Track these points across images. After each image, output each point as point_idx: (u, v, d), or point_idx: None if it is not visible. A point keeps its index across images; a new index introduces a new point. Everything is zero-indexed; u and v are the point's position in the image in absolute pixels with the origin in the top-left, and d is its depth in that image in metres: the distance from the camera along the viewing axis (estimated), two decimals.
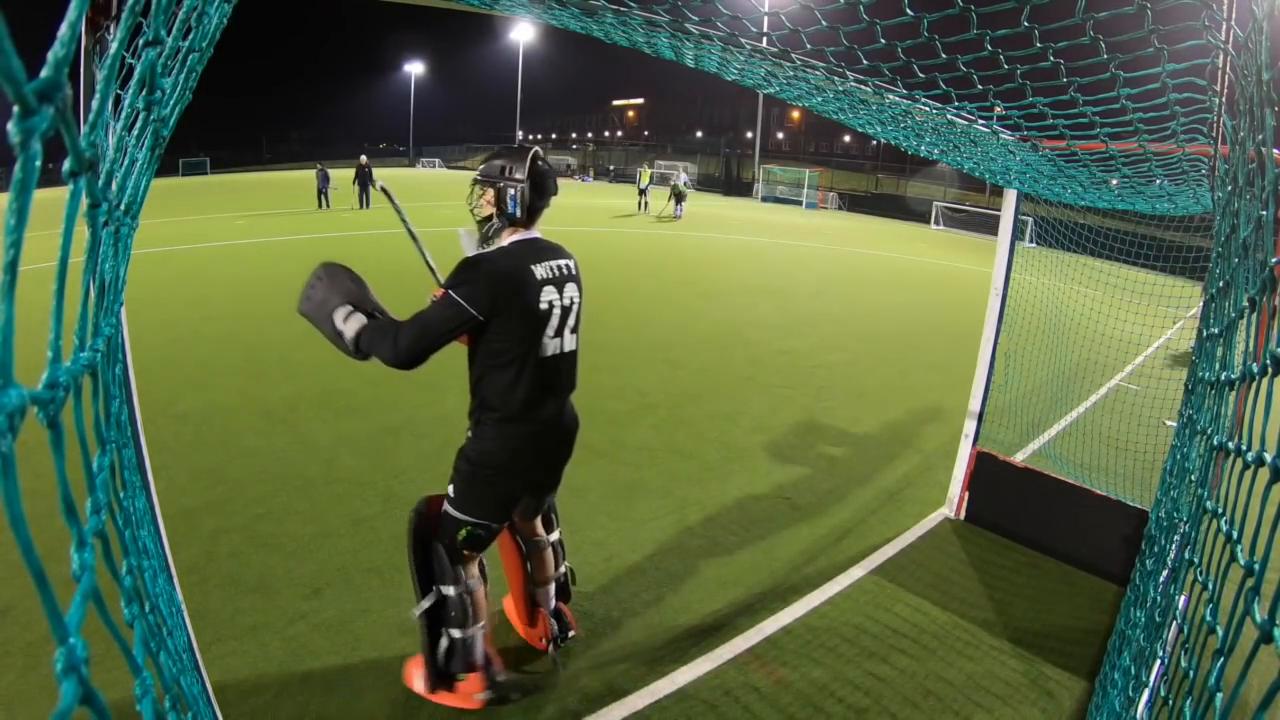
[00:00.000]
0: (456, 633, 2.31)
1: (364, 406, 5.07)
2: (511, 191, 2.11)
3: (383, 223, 16.31)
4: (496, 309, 2.01)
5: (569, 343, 2.22)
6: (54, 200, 1.42)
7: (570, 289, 2.20)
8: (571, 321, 2.22)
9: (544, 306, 2.10)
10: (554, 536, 2.69)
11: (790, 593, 3.21)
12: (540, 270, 2.11)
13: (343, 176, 21.02)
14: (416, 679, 2.43)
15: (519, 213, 2.12)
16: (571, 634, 2.74)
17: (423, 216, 17.96)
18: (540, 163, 2.16)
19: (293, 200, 20.81)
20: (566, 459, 2.38)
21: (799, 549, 3.59)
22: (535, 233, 2.20)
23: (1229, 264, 1.27)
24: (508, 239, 2.15)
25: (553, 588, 2.68)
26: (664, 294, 9.81)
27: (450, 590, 2.28)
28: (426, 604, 2.30)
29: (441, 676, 2.36)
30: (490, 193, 2.15)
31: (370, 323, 2.12)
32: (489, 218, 2.17)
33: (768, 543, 3.62)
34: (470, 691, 2.36)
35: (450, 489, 2.25)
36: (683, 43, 1.97)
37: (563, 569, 2.75)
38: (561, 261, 2.19)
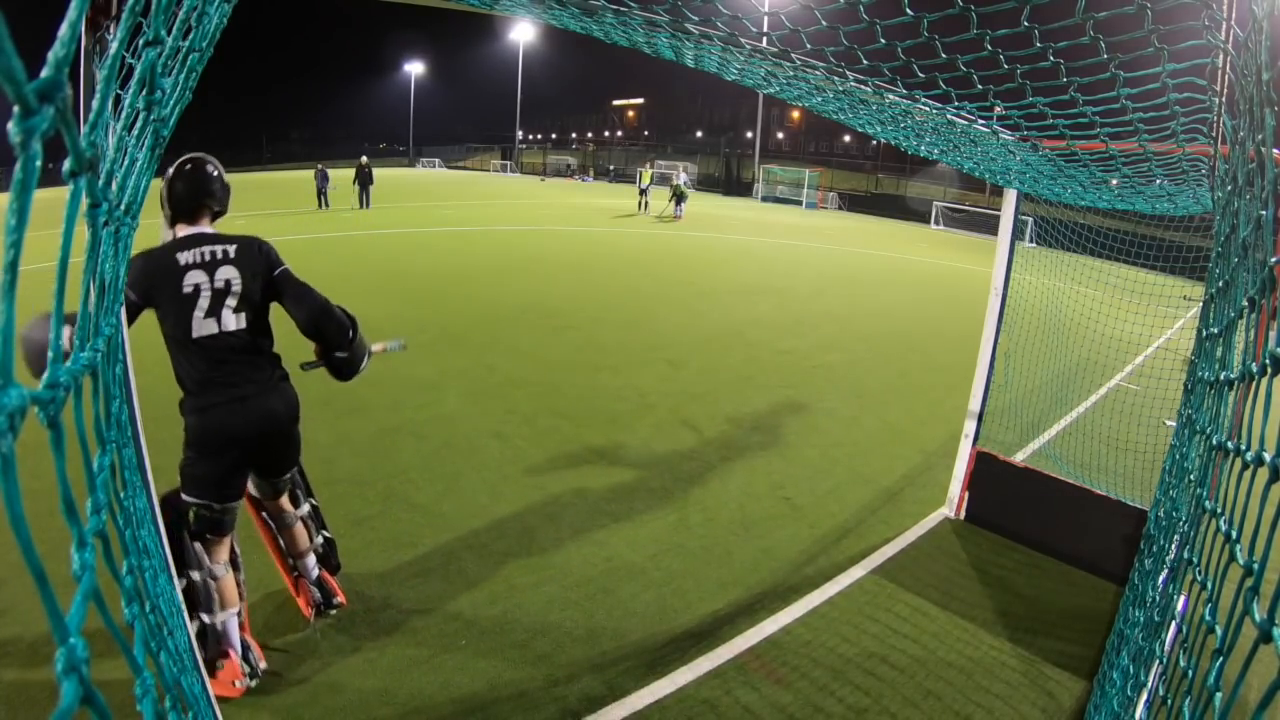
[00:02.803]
0: (206, 618, 2.36)
1: (364, 406, 5.07)
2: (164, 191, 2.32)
3: (383, 223, 16.32)
4: (149, 295, 2.19)
5: (229, 322, 2.29)
6: (54, 200, 1.42)
7: (224, 271, 2.28)
8: (232, 303, 2.29)
9: (188, 290, 2.22)
10: (302, 510, 2.77)
11: (790, 593, 3.21)
12: (186, 257, 2.24)
13: (342, 176, 21.02)
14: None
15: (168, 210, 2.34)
16: (336, 601, 2.80)
17: (424, 217, 17.98)
18: (185, 168, 2.33)
19: (293, 200, 20.81)
20: (275, 441, 2.44)
21: (799, 549, 3.59)
22: (200, 228, 2.34)
23: (1229, 264, 1.27)
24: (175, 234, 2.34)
25: (312, 559, 2.78)
26: (664, 294, 9.81)
27: (194, 575, 2.34)
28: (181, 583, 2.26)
29: (207, 664, 2.35)
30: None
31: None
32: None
33: (768, 543, 3.62)
34: (228, 679, 2.37)
35: (179, 473, 2.35)
36: (683, 43, 1.97)
37: (319, 539, 2.84)
38: (216, 248, 2.30)
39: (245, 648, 2.45)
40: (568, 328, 7.64)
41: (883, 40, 1.51)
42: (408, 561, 3.23)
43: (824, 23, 1.52)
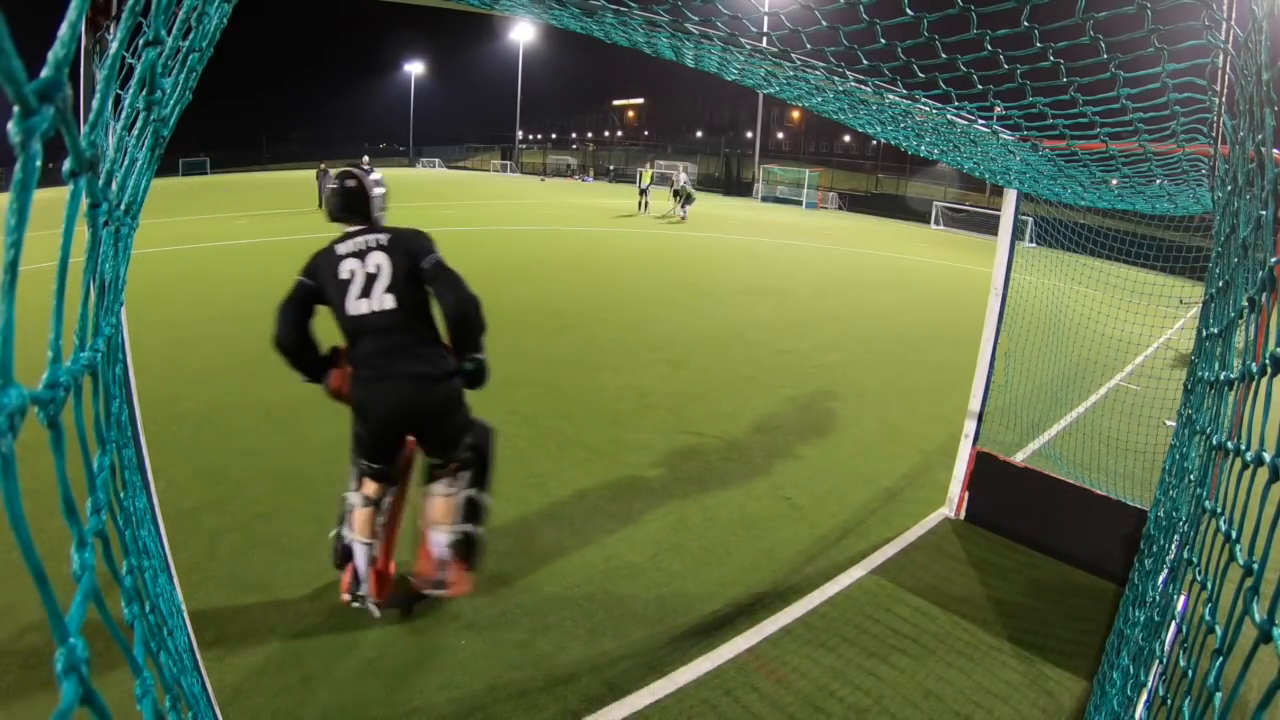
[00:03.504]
0: (340, 529, 2.82)
1: None
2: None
3: None
4: (318, 280, 2.58)
5: (381, 303, 2.55)
6: (54, 200, 1.42)
7: (375, 257, 2.57)
8: (382, 285, 2.56)
9: (344, 276, 2.54)
10: (454, 492, 2.84)
11: (790, 593, 3.21)
12: (343, 248, 2.59)
13: None
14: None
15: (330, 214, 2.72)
16: (440, 593, 2.86)
17: (424, 217, 17.97)
18: (333, 185, 2.70)
19: (293, 200, 20.81)
20: (417, 426, 2.67)
21: (799, 549, 3.59)
22: (356, 226, 2.67)
23: (1229, 264, 1.27)
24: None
25: (442, 538, 2.82)
26: (664, 294, 9.81)
27: (345, 494, 2.81)
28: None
29: (338, 562, 2.85)
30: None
31: None
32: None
33: (768, 543, 3.62)
34: (342, 585, 2.80)
35: None
36: (683, 43, 1.97)
37: (459, 528, 2.84)
38: (371, 237, 2.61)
39: (360, 577, 2.74)
40: (568, 328, 7.64)
41: (883, 40, 1.51)
42: (408, 562, 3.23)
43: (824, 23, 1.52)
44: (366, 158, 20.51)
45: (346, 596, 2.78)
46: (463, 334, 2.62)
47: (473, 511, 2.92)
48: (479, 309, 2.60)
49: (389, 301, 2.54)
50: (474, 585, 2.97)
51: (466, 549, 2.91)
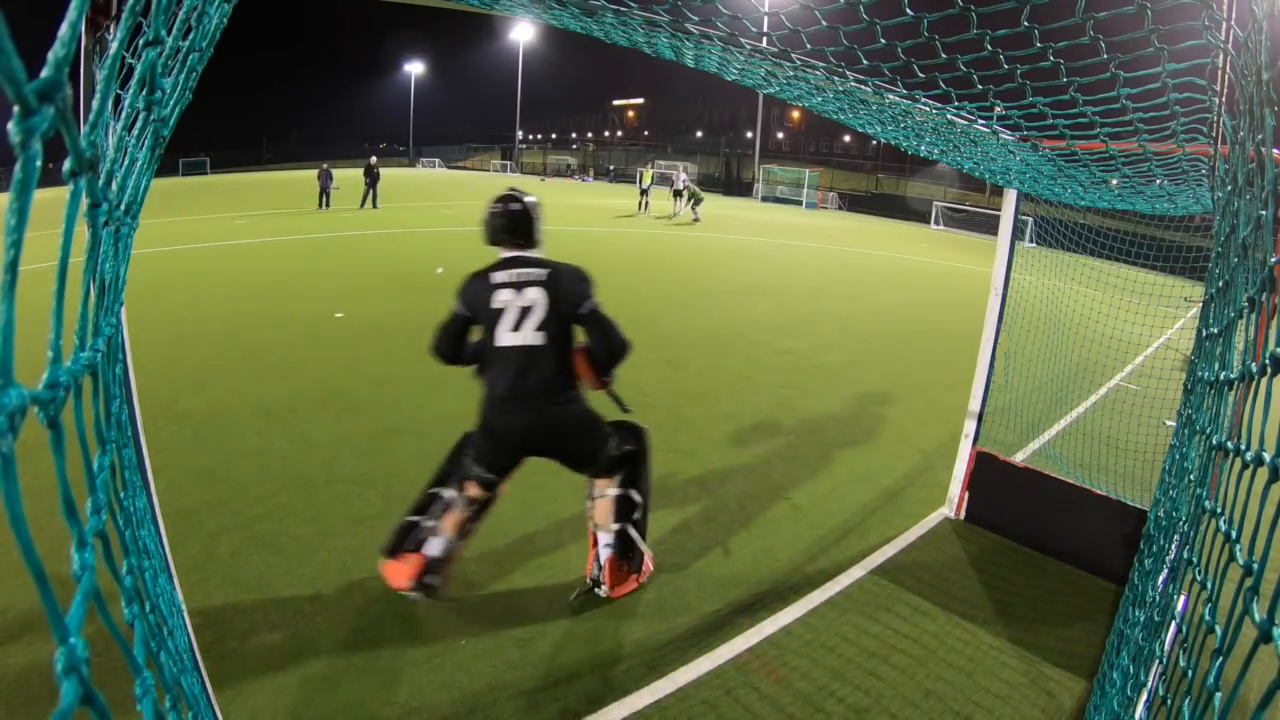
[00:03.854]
0: (419, 519, 2.87)
1: (364, 406, 5.07)
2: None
3: (383, 223, 16.32)
4: (473, 308, 2.66)
5: (531, 339, 2.61)
6: (54, 200, 1.42)
7: (531, 293, 2.62)
8: (534, 321, 2.61)
9: (497, 306, 2.60)
10: (609, 493, 2.98)
11: (790, 593, 3.21)
12: (499, 277, 2.64)
13: (344, 176, 21.02)
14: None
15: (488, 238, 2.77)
16: (604, 590, 3.01)
17: (426, 217, 17.98)
18: (495, 206, 2.76)
19: (293, 200, 20.81)
20: (547, 449, 2.74)
21: (799, 549, 3.59)
22: (514, 251, 2.71)
23: (1229, 264, 1.27)
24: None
25: (606, 537, 2.99)
26: (664, 294, 9.82)
27: (444, 492, 2.88)
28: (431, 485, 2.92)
29: (394, 548, 2.85)
30: None
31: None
32: None
33: (768, 543, 3.62)
34: (407, 569, 2.79)
35: None
36: (683, 43, 1.97)
37: (615, 527, 2.99)
38: (528, 271, 2.65)
39: (435, 567, 2.79)
40: None
41: (883, 40, 1.51)
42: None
43: (824, 23, 1.52)
44: (374, 157, 20.58)
45: (407, 583, 2.78)
46: (605, 367, 2.80)
47: (627, 508, 3.01)
48: (627, 353, 2.77)
49: (538, 339, 2.60)
50: (635, 586, 3.09)
51: (624, 548, 3.02)
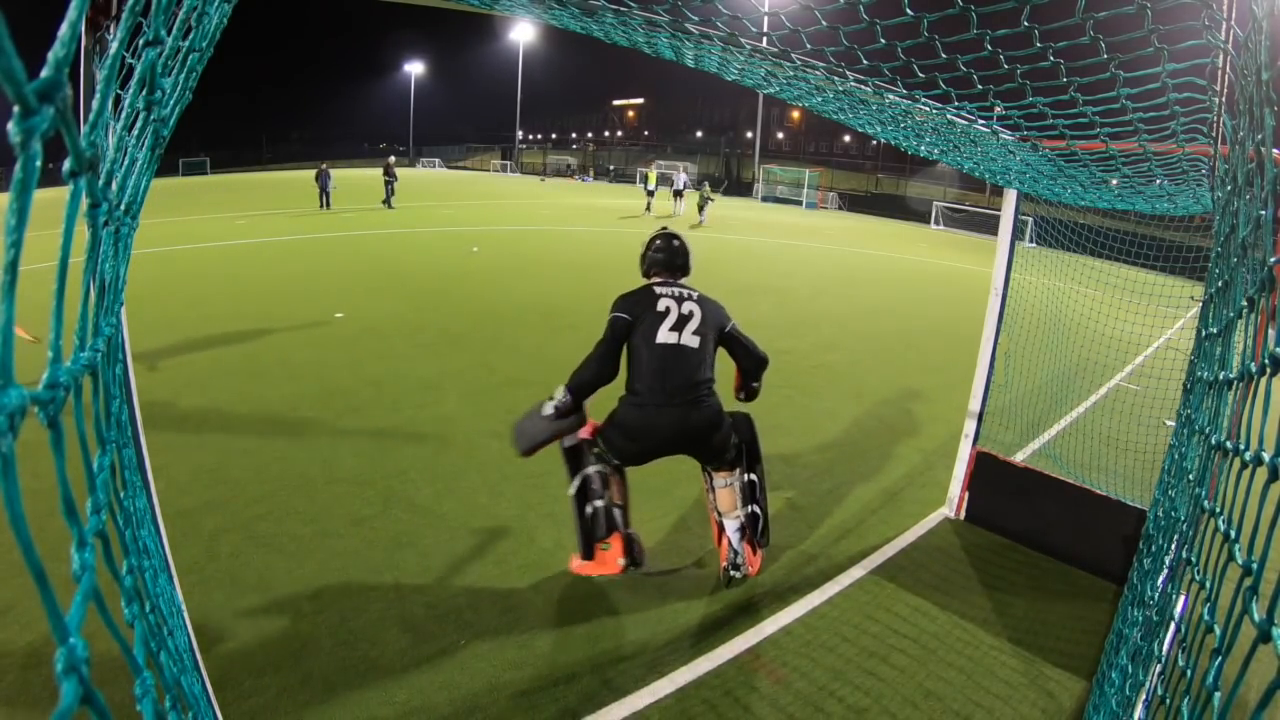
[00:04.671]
0: (597, 503, 3.00)
1: (364, 406, 5.07)
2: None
3: (383, 223, 16.32)
4: (636, 313, 2.92)
5: (688, 340, 2.89)
6: (54, 200, 1.42)
7: (689, 305, 2.96)
8: (691, 327, 2.92)
9: (660, 309, 2.90)
10: (733, 480, 3.15)
11: (790, 593, 3.21)
12: (661, 290, 2.99)
13: (344, 176, 21.04)
14: (574, 562, 3.16)
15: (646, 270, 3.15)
16: (744, 570, 3.22)
17: (425, 217, 17.98)
18: (657, 242, 3.15)
19: (293, 200, 20.81)
20: (692, 444, 2.94)
21: (799, 549, 3.59)
22: (668, 277, 3.09)
23: (1228, 264, 1.27)
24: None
25: (734, 523, 3.15)
26: None
27: (589, 469, 3.03)
28: (575, 485, 3.03)
29: (590, 541, 3.00)
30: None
31: (574, 371, 2.94)
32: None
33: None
34: (613, 558, 3.05)
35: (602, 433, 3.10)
36: (683, 43, 1.97)
37: (745, 509, 3.17)
38: (683, 289, 3.02)
39: (630, 540, 3.07)
40: (568, 328, 7.64)
41: (883, 40, 1.51)
42: (408, 562, 3.23)
43: (824, 23, 1.52)
44: (393, 157, 20.73)
45: (622, 564, 3.05)
46: (753, 376, 3.14)
47: (752, 491, 3.21)
48: (766, 365, 3.13)
49: (695, 341, 2.89)
50: (764, 563, 3.32)
51: (755, 529, 3.22)
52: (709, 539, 3.60)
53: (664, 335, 2.86)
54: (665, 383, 2.83)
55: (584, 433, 3.05)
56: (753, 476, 3.22)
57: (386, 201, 19.69)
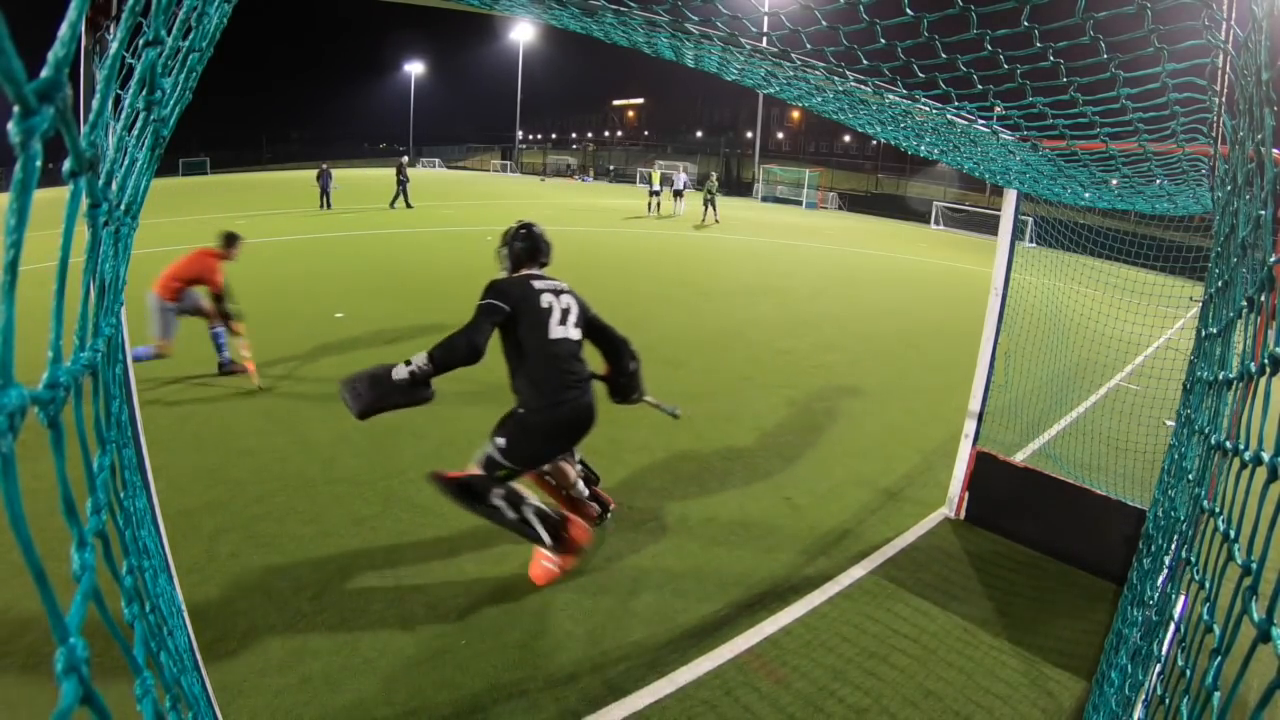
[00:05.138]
0: (526, 510, 2.97)
1: None
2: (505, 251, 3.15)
3: (384, 223, 16.32)
4: (516, 305, 2.86)
5: (573, 334, 2.97)
6: (54, 200, 1.42)
7: (565, 299, 2.99)
8: (572, 320, 2.98)
9: (545, 305, 2.90)
10: (573, 460, 3.32)
11: (790, 593, 3.21)
12: (538, 284, 2.97)
13: (345, 176, 21.05)
14: (539, 567, 3.15)
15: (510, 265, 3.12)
16: (611, 508, 3.44)
17: (425, 217, 17.98)
18: (522, 231, 3.11)
19: (293, 200, 20.81)
20: (590, 426, 3.00)
21: (799, 549, 3.59)
22: (534, 270, 3.08)
23: (1228, 263, 1.27)
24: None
25: (580, 484, 3.31)
26: (664, 294, 9.81)
27: (497, 500, 2.97)
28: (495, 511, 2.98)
29: (554, 532, 3.01)
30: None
31: (439, 342, 2.73)
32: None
33: (768, 543, 3.62)
34: (582, 526, 3.11)
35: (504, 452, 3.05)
36: (683, 43, 1.97)
37: (577, 466, 3.34)
38: (556, 282, 3.03)
39: (576, 502, 3.27)
40: None
41: (883, 40, 1.51)
42: (408, 562, 3.23)
43: (824, 23, 1.52)
44: (405, 158, 20.81)
45: (591, 531, 3.20)
46: (625, 355, 3.22)
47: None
48: (627, 345, 3.25)
49: (576, 334, 3.00)
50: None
51: (591, 475, 3.47)
52: (709, 539, 3.61)
53: (555, 331, 2.91)
54: (566, 377, 2.90)
55: (459, 475, 2.93)
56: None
57: (394, 202, 19.73)
